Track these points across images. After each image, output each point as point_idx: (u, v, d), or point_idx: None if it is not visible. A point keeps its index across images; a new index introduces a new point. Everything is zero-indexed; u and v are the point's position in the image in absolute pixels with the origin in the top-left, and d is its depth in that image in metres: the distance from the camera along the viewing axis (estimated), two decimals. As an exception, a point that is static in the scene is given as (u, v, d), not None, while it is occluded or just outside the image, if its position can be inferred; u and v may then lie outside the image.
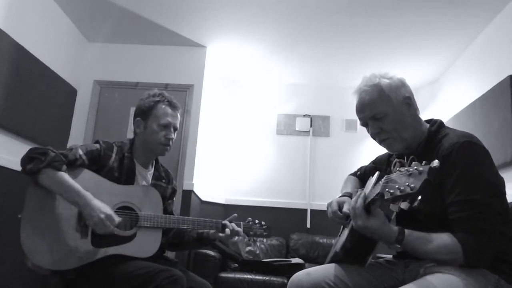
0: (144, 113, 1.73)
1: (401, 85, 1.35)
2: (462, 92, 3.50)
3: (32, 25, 2.93)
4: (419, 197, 0.96)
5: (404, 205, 0.99)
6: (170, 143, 1.75)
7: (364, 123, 1.38)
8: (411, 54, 3.61)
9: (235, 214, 1.79)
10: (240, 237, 1.76)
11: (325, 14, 3.11)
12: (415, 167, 0.98)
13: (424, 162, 0.98)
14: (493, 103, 2.79)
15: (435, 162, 0.95)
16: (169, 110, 1.74)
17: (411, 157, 1.28)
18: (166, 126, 1.72)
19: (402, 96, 1.32)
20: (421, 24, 3.14)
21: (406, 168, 1.01)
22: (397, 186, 0.99)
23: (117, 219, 1.48)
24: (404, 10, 2.98)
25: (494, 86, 2.81)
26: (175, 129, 1.77)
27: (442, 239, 1.11)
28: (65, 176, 1.46)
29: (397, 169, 1.05)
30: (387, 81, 1.33)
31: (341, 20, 3.17)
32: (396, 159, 1.41)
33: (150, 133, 1.71)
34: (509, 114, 2.56)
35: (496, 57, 2.95)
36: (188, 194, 3.33)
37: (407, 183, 0.97)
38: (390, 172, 1.40)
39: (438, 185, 1.18)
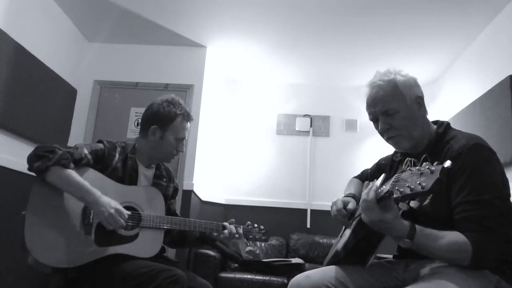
0: (162, 122, 1.72)
1: (415, 84, 1.35)
2: (462, 92, 3.50)
3: (32, 25, 2.93)
4: (430, 196, 0.95)
5: (413, 203, 0.98)
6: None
7: (374, 118, 1.37)
8: (411, 54, 3.61)
9: (233, 220, 1.83)
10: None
11: (325, 14, 3.11)
12: (427, 167, 0.97)
13: (436, 162, 0.97)
14: (493, 103, 2.79)
15: (448, 162, 0.94)
16: (187, 124, 1.77)
17: (423, 156, 1.28)
18: (181, 140, 1.76)
19: (415, 95, 1.32)
20: (421, 24, 3.14)
21: (417, 168, 0.99)
22: (407, 185, 0.98)
23: (126, 213, 1.50)
24: (404, 10, 2.98)
25: (494, 86, 2.81)
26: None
27: (453, 237, 1.09)
28: (73, 173, 1.48)
29: (408, 168, 1.03)
30: (402, 78, 1.33)
31: (341, 20, 3.17)
32: (408, 159, 1.40)
33: (166, 144, 1.73)
34: (509, 114, 2.56)
35: (496, 57, 2.95)
36: (188, 194, 3.33)
37: (418, 182, 0.96)
38: (395, 173, 1.40)
39: (445, 187, 1.18)
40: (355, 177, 1.72)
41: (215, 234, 1.76)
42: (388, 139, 1.36)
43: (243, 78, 4.40)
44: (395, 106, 1.30)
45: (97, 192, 1.47)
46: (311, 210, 4.06)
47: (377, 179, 1.20)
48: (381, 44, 3.49)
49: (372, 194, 1.10)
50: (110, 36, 3.67)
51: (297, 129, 4.33)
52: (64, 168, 1.47)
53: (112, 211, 1.45)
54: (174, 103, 1.75)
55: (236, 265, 3.28)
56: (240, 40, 3.59)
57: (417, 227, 1.10)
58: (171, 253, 3.07)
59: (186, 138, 1.79)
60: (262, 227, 1.91)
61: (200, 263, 3.02)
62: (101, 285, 1.47)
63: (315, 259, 3.56)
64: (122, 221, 1.47)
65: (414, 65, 3.78)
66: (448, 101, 3.77)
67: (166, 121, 1.72)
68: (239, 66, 4.11)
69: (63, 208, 1.49)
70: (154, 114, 1.74)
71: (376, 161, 1.66)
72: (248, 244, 3.57)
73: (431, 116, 1.42)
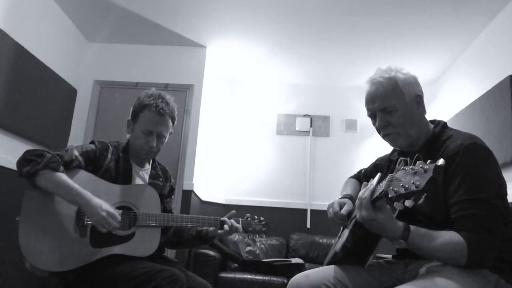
0: (133, 114, 1.71)
1: (415, 82, 1.34)
2: (462, 92, 3.50)
3: (32, 25, 2.93)
4: (424, 195, 0.95)
5: (408, 202, 0.98)
6: (153, 149, 1.69)
7: (372, 115, 1.37)
8: (411, 54, 3.61)
9: (233, 211, 1.79)
10: (240, 237, 1.76)
11: (325, 14, 3.11)
12: (420, 165, 0.97)
13: (429, 161, 0.97)
14: (493, 103, 2.79)
15: (441, 161, 0.95)
16: (155, 116, 1.65)
17: (416, 155, 1.28)
18: (149, 133, 1.67)
19: (414, 94, 1.32)
20: (421, 24, 3.14)
21: (411, 167, 1.00)
22: (401, 184, 0.98)
23: (118, 215, 1.49)
24: (404, 10, 2.98)
25: (494, 86, 2.81)
26: (160, 136, 1.69)
27: (448, 237, 1.09)
28: (63, 176, 1.46)
29: (402, 167, 1.03)
30: (403, 76, 1.32)
31: (341, 20, 3.17)
32: (401, 158, 1.40)
33: (134, 137, 1.70)
34: (509, 114, 2.56)
35: (496, 57, 2.95)
36: (188, 194, 3.33)
37: (412, 181, 0.96)
38: (392, 173, 1.40)
39: (442, 186, 1.18)
40: (352, 177, 1.71)
41: (212, 229, 1.72)
42: (384, 136, 1.36)
43: (243, 78, 4.40)
44: (393, 104, 1.29)
45: (88, 194, 1.45)
46: (311, 210, 4.06)
47: (373, 178, 1.20)
48: (381, 44, 3.49)
49: (367, 193, 1.10)
50: (110, 36, 3.67)
51: (297, 129, 4.33)
52: (54, 172, 1.44)
53: (104, 213, 1.43)
54: (149, 96, 1.68)
55: (236, 265, 3.28)
56: (240, 40, 3.59)
57: (412, 227, 1.10)
58: (171, 253, 3.07)
59: (155, 131, 1.66)
60: (262, 218, 1.88)
61: (200, 263, 3.02)
62: (100, 286, 1.46)
63: (315, 259, 3.56)
64: (115, 223, 1.45)
65: (414, 65, 3.77)
66: (448, 101, 3.77)
67: (136, 113, 1.69)
68: (239, 66, 4.11)
69: (56, 212, 1.48)
70: (132, 109, 1.73)
71: (374, 160, 1.66)
72: (249, 243, 3.56)
73: (431, 116, 1.41)
